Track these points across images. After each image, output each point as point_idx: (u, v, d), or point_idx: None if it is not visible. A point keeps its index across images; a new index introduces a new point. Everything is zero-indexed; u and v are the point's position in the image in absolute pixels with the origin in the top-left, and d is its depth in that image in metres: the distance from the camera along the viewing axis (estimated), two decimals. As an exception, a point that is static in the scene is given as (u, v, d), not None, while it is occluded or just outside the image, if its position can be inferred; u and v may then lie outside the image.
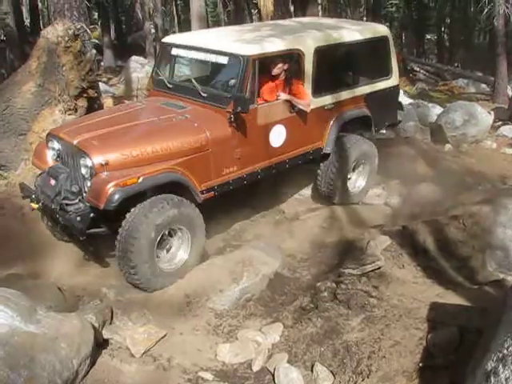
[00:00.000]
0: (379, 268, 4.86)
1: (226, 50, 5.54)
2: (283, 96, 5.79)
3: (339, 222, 6.26)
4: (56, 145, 5.17)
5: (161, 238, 4.86)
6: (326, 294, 4.63)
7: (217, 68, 5.97)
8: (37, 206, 5.07)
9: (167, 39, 6.46)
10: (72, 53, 6.89)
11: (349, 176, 6.65)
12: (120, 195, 4.52)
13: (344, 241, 5.75)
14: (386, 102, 7.07)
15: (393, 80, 7.13)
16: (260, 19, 14.48)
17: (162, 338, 4.27)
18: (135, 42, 23.53)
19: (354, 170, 6.72)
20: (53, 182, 4.94)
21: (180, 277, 4.98)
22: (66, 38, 6.93)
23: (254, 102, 5.46)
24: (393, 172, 7.14)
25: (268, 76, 5.85)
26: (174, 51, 6.08)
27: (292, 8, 16.47)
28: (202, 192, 5.16)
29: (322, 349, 4.05)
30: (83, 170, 4.79)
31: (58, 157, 5.18)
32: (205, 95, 5.51)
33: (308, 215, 6.46)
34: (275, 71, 5.84)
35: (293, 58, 5.91)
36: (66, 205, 4.80)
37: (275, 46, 5.73)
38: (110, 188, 4.50)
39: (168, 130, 5.18)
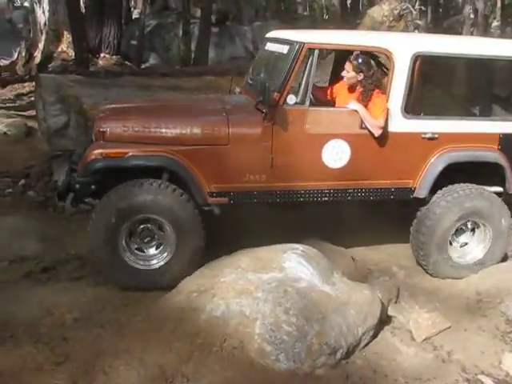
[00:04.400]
0: None
1: (287, 38, 4.67)
2: (352, 105, 4.46)
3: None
4: None
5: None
6: None
7: (279, 59, 4.75)
8: None
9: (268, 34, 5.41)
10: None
11: (451, 240, 4.80)
12: (99, 165, 4.13)
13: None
14: None
15: None
16: None
17: (446, 329, 4.13)
18: (451, 26, 22.78)
19: (460, 232, 4.87)
20: None
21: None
22: (391, 18, 7.05)
23: (305, 101, 4.36)
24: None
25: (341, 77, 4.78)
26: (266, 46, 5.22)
27: None
28: (211, 194, 4.33)
29: None
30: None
31: None
32: (253, 87, 4.70)
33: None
34: (348, 79, 4.64)
35: (376, 60, 4.79)
36: (72, 170, 4.54)
37: (346, 38, 4.70)
38: (92, 156, 4.14)
39: (187, 114, 4.55)
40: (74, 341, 3.50)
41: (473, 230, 4.85)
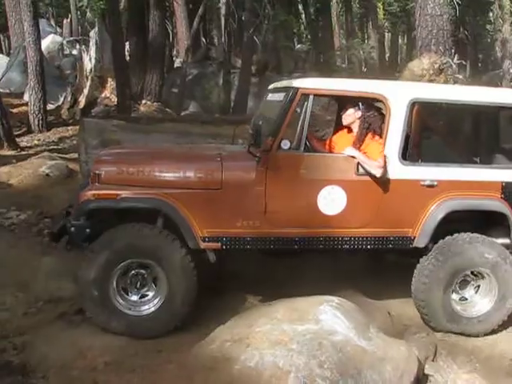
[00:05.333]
0: None
1: (283, 86, 4.75)
2: (348, 151, 4.42)
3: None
4: None
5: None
6: None
7: (276, 106, 4.69)
8: None
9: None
10: (434, 86, 7.00)
11: (453, 293, 4.63)
12: (91, 206, 4.17)
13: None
14: None
15: None
16: None
17: (486, 392, 3.98)
18: (490, 80, 22.84)
19: (464, 284, 4.68)
20: None
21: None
22: (431, 72, 7.11)
23: (300, 147, 4.30)
24: None
25: (344, 126, 4.80)
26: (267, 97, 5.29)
27: None
28: (203, 238, 4.24)
29: None
30: None
31: None
32: (251, 132, 4.70)
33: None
34: (345, 119, 4.67)
35: (372, 105, 4.66)
36: (68, 213, 4.61)
37: (342, 84, 4.62)
38: (85, 197, 4.19)
39: (181, 159, 4.56)
40: (105, 385, 3.47)
41: (478, 282, 4.67)
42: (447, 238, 4.58)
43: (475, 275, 4.65)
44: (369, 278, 5.15)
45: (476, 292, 4.70)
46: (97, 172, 4.33)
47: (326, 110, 7.82)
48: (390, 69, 23.56)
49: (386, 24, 28.78)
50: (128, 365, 3.71)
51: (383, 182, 4.40)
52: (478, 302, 4.67)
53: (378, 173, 4.33)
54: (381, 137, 4.49)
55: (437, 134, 4.90)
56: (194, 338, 3.95)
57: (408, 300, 5.08)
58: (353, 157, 4.37)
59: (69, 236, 4.33)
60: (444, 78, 7.04)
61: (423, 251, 4.61)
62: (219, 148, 4.87)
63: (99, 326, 4.16)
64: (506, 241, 4.72)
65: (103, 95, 13.95)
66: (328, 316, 3.75)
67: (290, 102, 4.30)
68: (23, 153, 9.87)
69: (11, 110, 13.14)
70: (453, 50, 8.79)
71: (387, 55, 28.58)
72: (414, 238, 4.54)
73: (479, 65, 27.20)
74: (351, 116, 4.63)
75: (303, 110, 4.33)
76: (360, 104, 4.57)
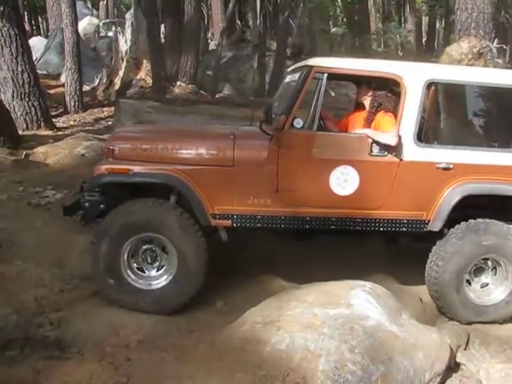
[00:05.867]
0: None
1: (299, 65, 4.68)
2: (360, 130, 4.45)
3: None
4: None
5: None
6: None
7: (291, 86, 4.68)
8: None
9: None
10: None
11: (468, 279, 4.52)
12: (104, 180, 4.25)
13: None
14: None
15: None
16: None
17: (522, 382, 3.92)
18: (531, 66, 22.22)
19: (480, 271, 4.58)
20: None
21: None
22: (470, 56, 6.93)
23: (313, 126, 4.25)
24: None
25: (359, 107, 4.80)
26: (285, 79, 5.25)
27: None
28: (214, 215, 4.25)
29: None
30: None
31: None
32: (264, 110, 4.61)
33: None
34: (358, 98, 4.74)
35: (387, 86, 4.57)
36: (82, 189, 4.64)
37: (357, 64, 4.46)
38: (98, 171, 4.27)
39: (195, 136, 4.60)
40: (138, 362, 3.52)
41: (494, 268, 4.56)
42: (463, 223, 4.48)
43: (491, 262, 4.55)
44: (399, 264, 5.09)
45: (492, 279, 4.60)
46: (111, 147, 4.39)
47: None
48: (427, 53, 23.15)
49: (424, 7, 28.18)
50: (160, 343, 3.76)
51: (397, 164, 4.33)
52: (494, 289, 4.57)
53: (392, 142, 4.24)
54: (393, 114, 4.45)
55: (454, 116, 4.75)
56: (226, 320, 4.00)
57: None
58: (365, 135, 4.32)
59: (83, 211, 4.40)
60: (483, 63, 6.85)
61: (438, 236, 4.52)
62: (235, 128, 4.85)
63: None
64: None
65: (138, 77, 14.06)
66: (360, 301, 3.75)
67: (304, 81, 4.27)
68: (59, 133, 10.01)
69: (48, 91, 13.36)
70: (493, 34, 8.54)
71: (424, 39, 28.03)
72: (429, 221, 4.45)
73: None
74: (363, 95, 4.67)
75: (317, 88, 4.28)
76: (372, 84, 4.57)
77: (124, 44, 14.18)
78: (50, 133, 9.91)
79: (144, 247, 4.30)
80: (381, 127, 4.42)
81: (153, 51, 13.26)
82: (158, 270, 4.32)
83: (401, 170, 4.34)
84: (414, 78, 4.37)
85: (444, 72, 4.60)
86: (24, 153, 8.24)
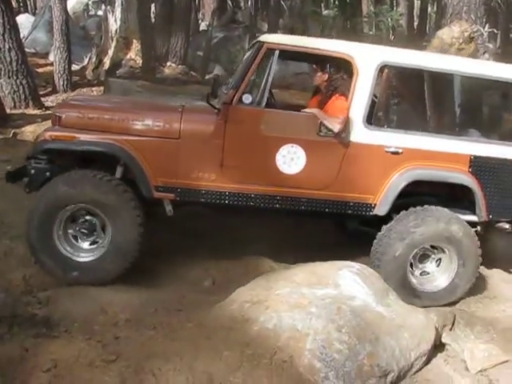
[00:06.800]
0: None
1: (255, 41, 4.59)
2: (308, 110, 4.44)
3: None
4: None
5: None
6: None
7: (245, 61, 4.67)
8: None
9: None
10: (464, 55, 6.85)
11: (410, 266, 4.45)
12: (46, 146, 4.18)
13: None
14: None
15: None
16: None
17: (503, 363, 3.97)
18: (521, 51, 22.26)
19: (423, 258, 4.54)
20: None
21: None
22: (461, 40, 6.94)
23: (262, 102, 4.21)
24: None
25: (320, 93, 4.75)
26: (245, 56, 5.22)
27: None
28: (157, 188, 4.22)
29: None
30: None
31: None
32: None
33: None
34: (315, 80, 4.72)
35: (340, 67, 4.52)
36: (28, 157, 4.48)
37: (309, 42, 4.43)
38: (42, 137, 4.23)
39: (143, 107, 4.57)
40: (126, 341, 3.52)
41: (438, 256, 4.54)
42: (410, 209, 4.43)
43: (436, 249, 4.51)
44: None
45: (437, 266, 4.57)
46: (57, 114, 4.33)
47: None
48: (419, 37, 23.08)
49: (416, -10, 28.09)
50: (148, 322, 3.76)
51: (345, 145, 4.29)
52: (439, 277, 4.54)
53: (335, 128, 4.23)
54: (346, 98, 4.39)
55: (406, 100, 4.70)
56: (214, 299, 4.01)
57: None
58: (314, 115, 4.29)
59: (28, 178, 4.32)
60: (474, 47, 6.87)
61: (385, 222, 4.47)
62: (187, 101, 4.80)
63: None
64: (472, 218, 4.58)
65: (128, 57, 13.92)
66: (347, 281, 3.78)
67: (255, 56, 4.24)
68: (48, 112, 9.89)
69: (36, 69, 13.19)
70: (484, 19, 8.54)
71: (416, 23, 27.93)
72: (375, 205, 4.42)
73: (510, 35, 26.45)
74: (320, 78, 4.64)
75: (268, 65, 4.25)
76: (328, 66, 4.55)
77: (114, 23, 13.99)
78: (38, 112, 9.84)
79: (86, 218, 4.24)
80: (330, 110, 4.39)
81: (143, 31, 13.13)
82: (91, 244, 4.27)
83: (349, 152, 4.31)
84: (367, 59, 4.32)
85: (398, 55, 4.50)
86: (12, 131, 8.18)
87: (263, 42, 4.26)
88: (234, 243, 5.03)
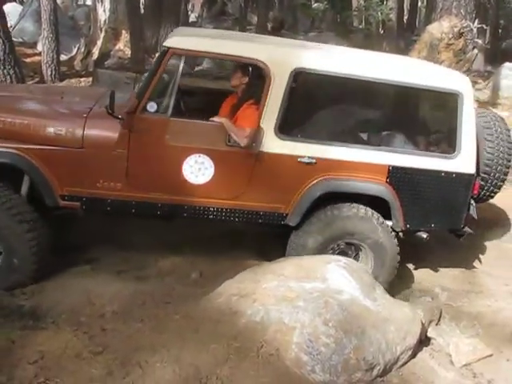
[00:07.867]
0: None
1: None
2: (217, 119, 4.21)
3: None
4: None
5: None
6: None
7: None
8: None
9: None
10: (453, 50, 6.90)
11: None
12: None
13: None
14: (440, 192, 4.42)
15: (458, 163, 4.39)
16: None
17: (487, 357, 4.02)
18: (509, 48, 22.37)
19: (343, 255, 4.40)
20: None
21: None
22: (450, 35, 6.97)
23: (167, 111, 4.09)
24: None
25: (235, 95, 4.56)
26: None
27: None
28: (63, 197, 4.08)
29: None
30: None
31: None
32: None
33: None
34: (232, 80, 4.49)
35: (253, 71, 4.37)
36: None
37: (219, 46, 4.23)
38: None
39: (46, 112, 4.30)
40: (113, 333, 3.53)
41: (357, 254, 4.48)
42: (322, 209, 4.35)
43: (353, 246, 4.46)
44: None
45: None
46: None
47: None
48: (408, 31, 23.14)
49: (407, -15, 28.11)
50: (135, 314, 3.76)
51: (256, 156, 4.16)
52: None
53: (242, 142, 4.10)
54: (258, 106, 4.20)
55: (322, 108, 4.45)
56: (201, 292, 4.02)
57: (415, 263, 5.14)
58: (222, 125, 4.13)
59: None
60: (463, 42, 6.89)
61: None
62: (100, 103, 4.39)
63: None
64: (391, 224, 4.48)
65: (117, 47, 13.82)
66: (335, 275, 3.79)
67: (159, 62, 4.07)
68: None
69: (24, 59, 13.04)
70: (474, 14, 8.58)
71: (406, 17, 27.97)
72: (287, 215, 4.32)
73: (499, 31, 26.59)
74: (238, 79, 4.45)
75: (174, 71, 4.12)
76: (249, 69, 4.37)
77: (103, 13, 13.89)
78: (25, 102, 9.72)
79: None
80: (240, 119, 4.24)
81: (132, 22, 13.05)
82: None
83: (259, 162, 4.18)
84: (280, 65, 4.12)
85: (314, 61, 4.26)
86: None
87: (169, 48, 4.06)
88: (222, 236, 5.03)
